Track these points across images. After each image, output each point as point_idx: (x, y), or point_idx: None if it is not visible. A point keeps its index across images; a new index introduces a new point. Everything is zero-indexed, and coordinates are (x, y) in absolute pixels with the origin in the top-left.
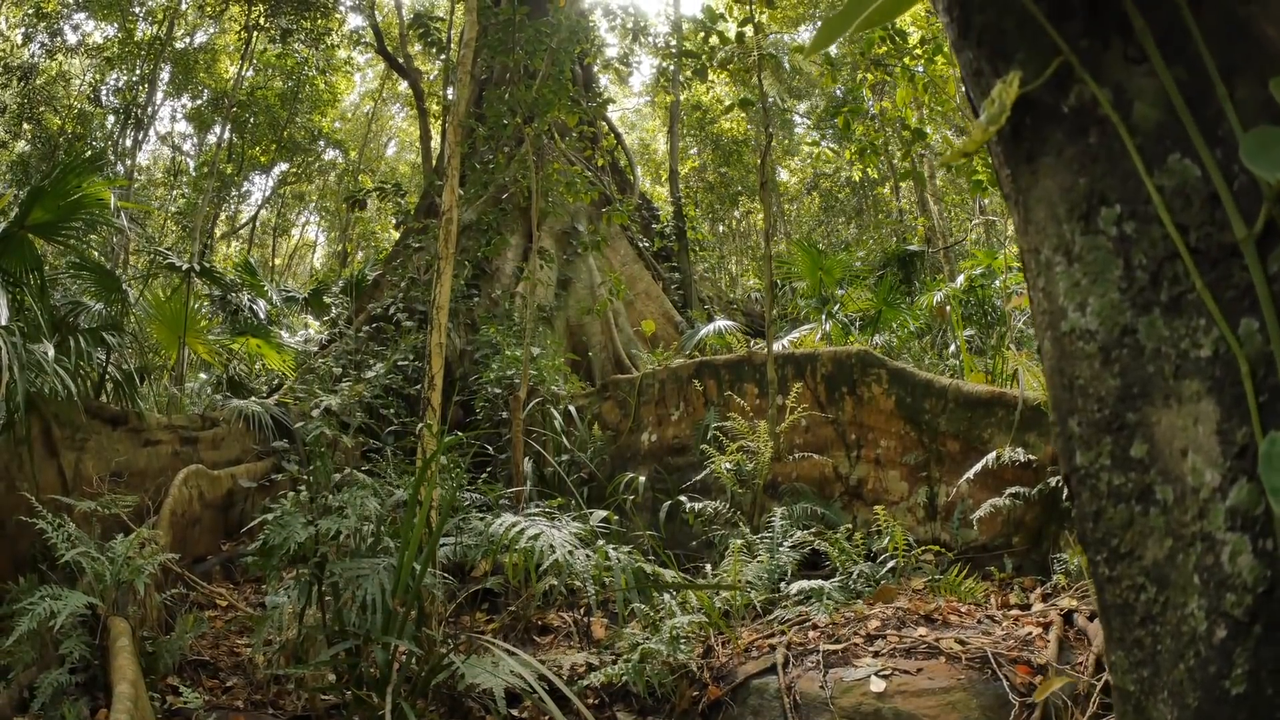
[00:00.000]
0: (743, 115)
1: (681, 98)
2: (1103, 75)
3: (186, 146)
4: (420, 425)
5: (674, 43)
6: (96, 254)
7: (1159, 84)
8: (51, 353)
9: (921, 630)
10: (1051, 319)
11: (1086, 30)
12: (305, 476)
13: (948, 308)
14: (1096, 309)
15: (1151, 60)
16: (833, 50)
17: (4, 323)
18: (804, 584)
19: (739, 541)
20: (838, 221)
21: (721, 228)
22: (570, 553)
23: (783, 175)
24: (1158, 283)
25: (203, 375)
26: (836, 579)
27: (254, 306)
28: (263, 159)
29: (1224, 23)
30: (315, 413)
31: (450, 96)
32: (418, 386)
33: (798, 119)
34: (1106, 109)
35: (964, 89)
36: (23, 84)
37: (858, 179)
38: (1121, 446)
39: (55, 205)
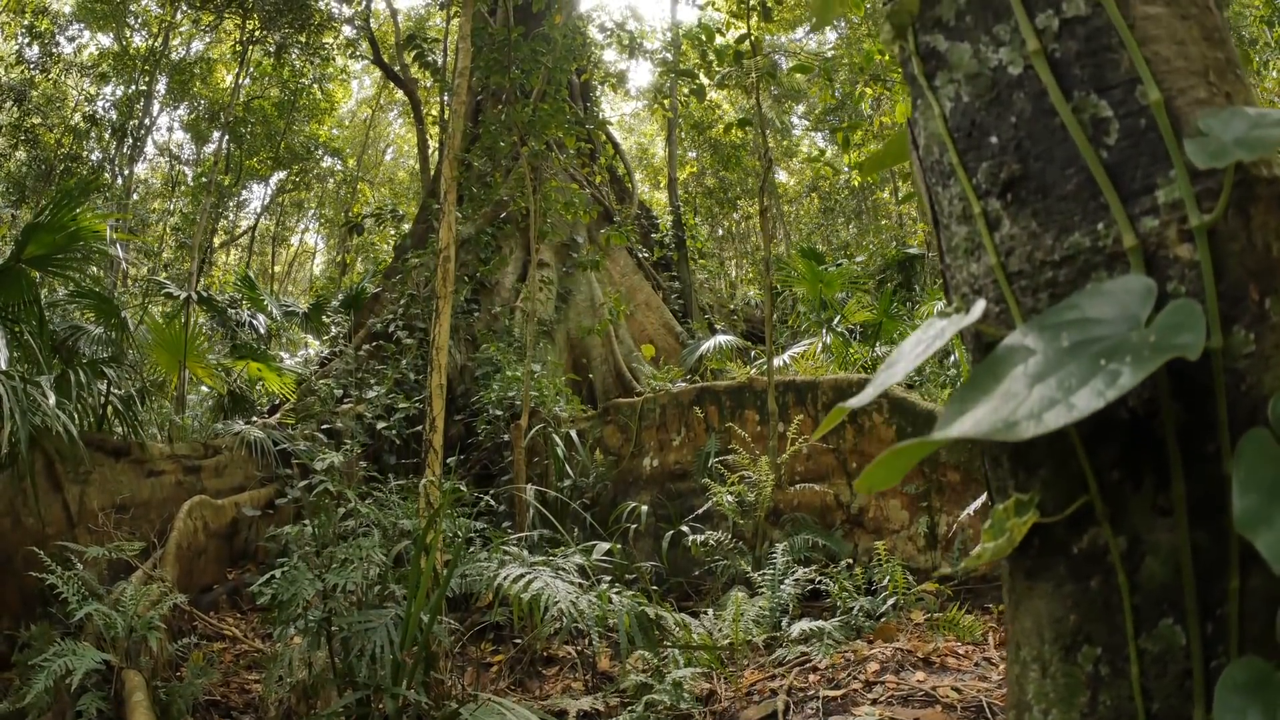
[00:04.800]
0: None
1: (678, 101)
2: (1123, 520)
3: (184, 156)
4: (423, 481)
5: (670, 57)
6: (96, 269)
7: (1176, 542)
8: (53, 399)
9: (919, 675)
10: (1019, 706)
11: (1122, 460)
12: (311, 526)
13: None
14: None
15: (1176, 518)
16: (828, 54)
17: (3, 366)
18: (805, 625)
19: (738, 593)
20: (837, 223)
21: (720, 231)
22: (574, 602)
23: (781, 176)
24: None
25: (204, 388)
26: (837, 617)
27: (254, 322)
28: (261, 170)
29: None
30: (319, 465)
31: (446, 113)
32: (419, 406)
33: (795, 120)
34: (1116, 564)
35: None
36: (17, 105)
37: (856, 184)
38: None
39: (51, 240)
